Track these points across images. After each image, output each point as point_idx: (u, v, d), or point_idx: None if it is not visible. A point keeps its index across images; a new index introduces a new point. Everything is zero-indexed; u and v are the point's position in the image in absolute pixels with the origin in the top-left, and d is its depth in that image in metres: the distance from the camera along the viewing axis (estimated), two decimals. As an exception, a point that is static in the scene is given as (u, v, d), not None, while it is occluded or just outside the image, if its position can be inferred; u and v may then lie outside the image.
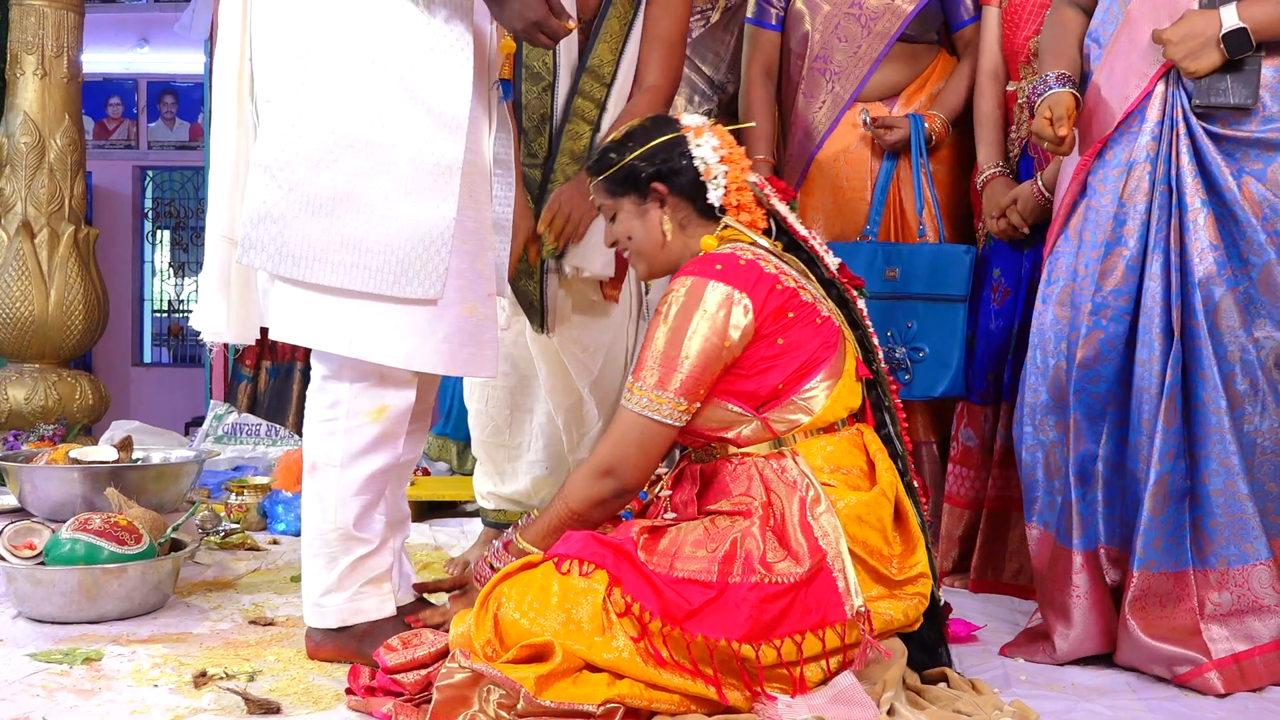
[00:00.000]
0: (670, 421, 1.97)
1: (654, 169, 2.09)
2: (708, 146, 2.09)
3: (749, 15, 3.16)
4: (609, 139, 2.19)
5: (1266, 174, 2.09)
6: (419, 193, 1.97)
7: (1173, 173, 2.13)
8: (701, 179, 2.09)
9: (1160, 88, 2.15)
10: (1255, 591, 2.10)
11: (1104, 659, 2.22)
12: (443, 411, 4.52)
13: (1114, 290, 2.18)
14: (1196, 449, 2.13)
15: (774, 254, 2.08)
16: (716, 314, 1.95)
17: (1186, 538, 2.14)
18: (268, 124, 1.98)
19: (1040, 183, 2.66)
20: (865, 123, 2.93)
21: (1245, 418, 2.12)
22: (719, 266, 1.98)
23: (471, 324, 2.06)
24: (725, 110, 3.33)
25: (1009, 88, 2.82)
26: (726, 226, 2.11)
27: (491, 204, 2.19)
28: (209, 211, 2.14)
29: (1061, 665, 2.20)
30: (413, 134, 1.97)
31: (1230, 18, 2.03)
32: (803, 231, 2.17)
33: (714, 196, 2.09)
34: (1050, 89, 2.26)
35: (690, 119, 2.14)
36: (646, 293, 2.93)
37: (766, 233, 2.16)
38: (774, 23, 3.10)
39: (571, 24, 2.06)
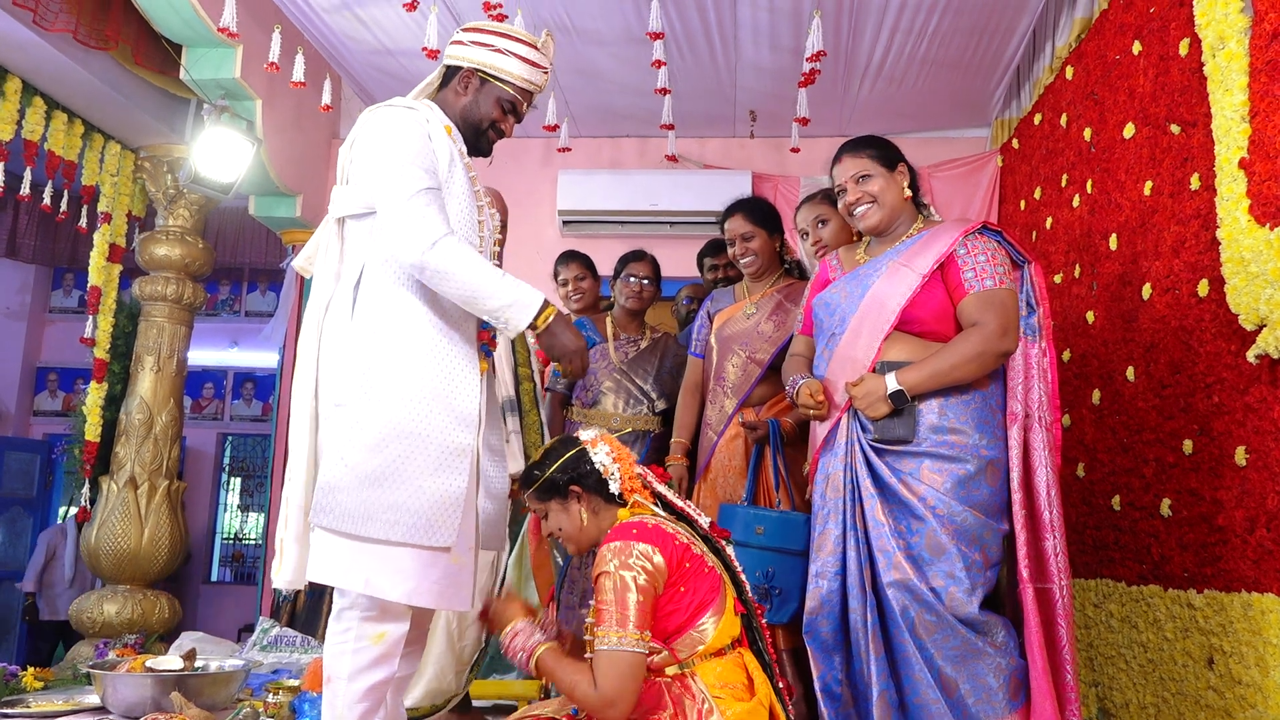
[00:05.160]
0: (640, 650, 1.94)
1: (568, 476, 2.12)
2: (603, 453, 2.15)
3: (690, 349, 3.32)
4: (531, 460, 2.24)
5: (919, 473, 2.23)
6: (443, 469, 1.99)
7: (854, 476, 2.29)
8: (603, 477, 2.14)
9: (845, 419, 2.34)
10: None
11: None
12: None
13: (826, 559, 2.30)
14: (900, 670, 2.19)
15: (669, 520, 2.12)
16: (643, 562, 1.97)
17: None
18: (338, 420, 2.00)
19: None
20: (741, 423, 3.03)
21: (944, 639, 2.16)
22: (635, 531, 2.01)
23: (455, 569, 2.04)
24: (652, 409, 3.44)
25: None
26: (636, 504, 2.15)
27: (482, 479, 2.17)
28: (287, 489, 2.06)
29: None
30: (440, 427, 1.99)
31: (892, 383, 2.24)
32: (679, 503, 2.20)
33: (614, 487, 2.14)
34: (802, 379, 2.44)
35: (586, 434, 2.19)
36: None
37: (656, 505, 2.20)
38: (700, 352, 3.26)
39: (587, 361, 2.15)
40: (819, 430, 2.41)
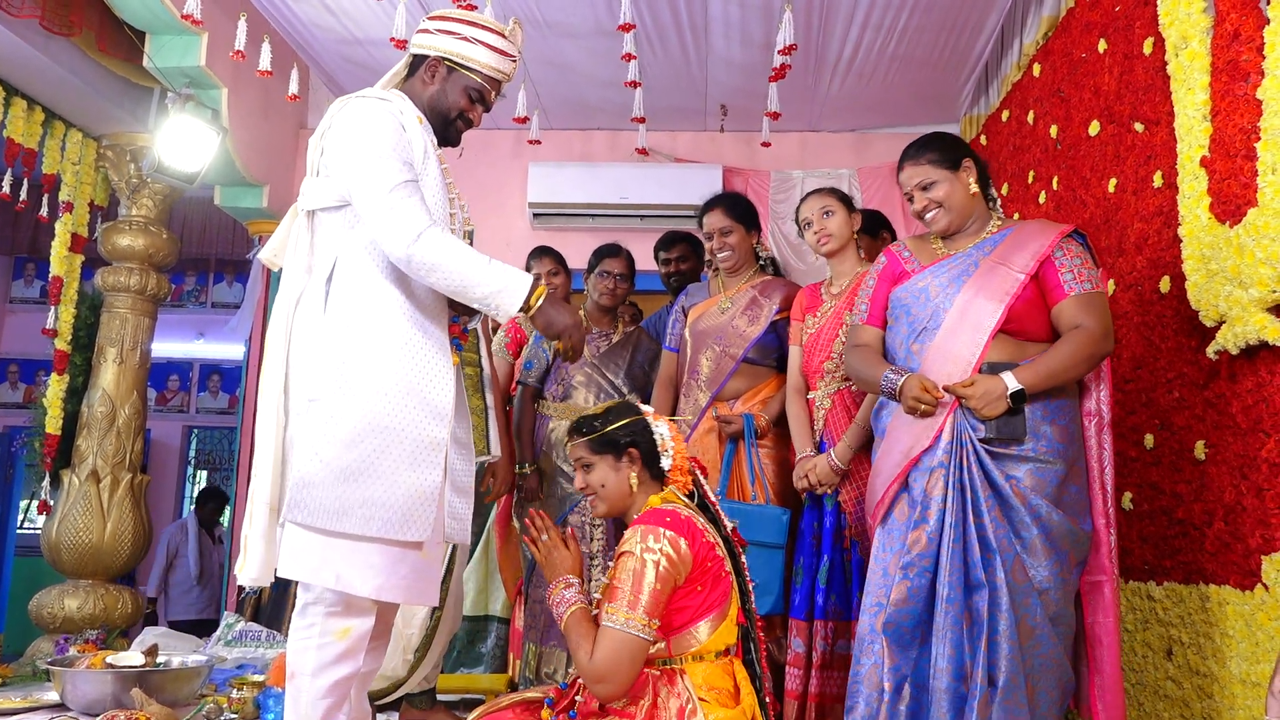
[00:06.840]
0: (644, 636, 1.92)
1: (630, 438, 2.12)
2: (663, 428, 2.15)
3: (664, 343, 3.30)
4: (590, 412, 2.21)
5: (1022, 478, 2.20)
6: (417, 464, 1.98)
7: (964, 476, 2.22)
8: (658, 450, 2.13)
9: (952, 418, 2.25)
10: None
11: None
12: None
13: (920, 554, 2.22)
14: (994, 671, 2.14)
15: (698, 514, 2.10)
16: (669, 550, 1.95)
17: None
18: (312, 416, 1.98)
19: (834, 457, 2.75)
20: (715, 417, 3.03)
21: (1035, 645, 2.16)
22: (668, 519, 2.00)
23: (424, 564, 2.03)
24: (620, 403, 3.43)
25: (809, 396, 2.93)
26: (669, 494, 2.12)
27: (449, 473, 2.14)
28: (254, 485, 2.03)
29: None
30: (415, 421, 1.99)
31: (1012, 382, 2.19)
32: (712, 497, 2.19)
33: (665, 463, 2.13)
34: (902, 375, 2.29)
35: (648, 407, 2.19)
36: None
37: (690, 494, 2.18)
38: (674, 346, 3.25)
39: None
40: (915, 426, 2.28)
